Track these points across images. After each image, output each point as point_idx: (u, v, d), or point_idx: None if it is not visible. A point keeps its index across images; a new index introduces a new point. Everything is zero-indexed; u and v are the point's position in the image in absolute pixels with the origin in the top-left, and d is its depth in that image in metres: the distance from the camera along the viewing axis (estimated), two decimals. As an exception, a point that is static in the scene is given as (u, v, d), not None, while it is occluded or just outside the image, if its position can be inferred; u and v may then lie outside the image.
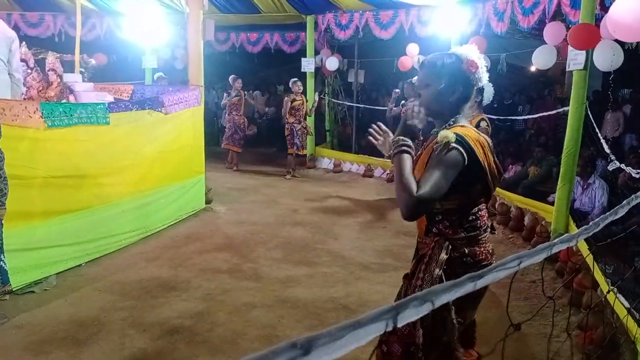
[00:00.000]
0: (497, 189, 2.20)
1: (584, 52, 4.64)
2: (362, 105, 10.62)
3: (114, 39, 10.17)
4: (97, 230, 4.56)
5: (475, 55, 1.90)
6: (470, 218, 1.89)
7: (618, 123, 8.45)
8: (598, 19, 4.75)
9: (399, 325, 0.68)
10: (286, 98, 8.67)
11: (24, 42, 5.98)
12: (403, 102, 7.56)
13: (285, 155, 8.97)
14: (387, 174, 8.71)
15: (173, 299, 3.82)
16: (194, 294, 3.92)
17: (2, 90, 4.48)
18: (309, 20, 9.55)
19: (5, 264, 3.57)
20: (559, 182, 5.10)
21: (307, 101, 8.85)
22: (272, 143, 11.68)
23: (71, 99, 6.05)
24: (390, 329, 0.67)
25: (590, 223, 1.42)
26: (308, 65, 9.68)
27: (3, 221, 3.50)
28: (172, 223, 5.61)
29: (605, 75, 7.84)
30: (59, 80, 6.42)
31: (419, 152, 2.00)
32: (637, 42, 5.06)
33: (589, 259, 2.94)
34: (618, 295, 3.13)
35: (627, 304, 3.09)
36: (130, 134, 5.01)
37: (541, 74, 11.55)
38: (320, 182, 8.79)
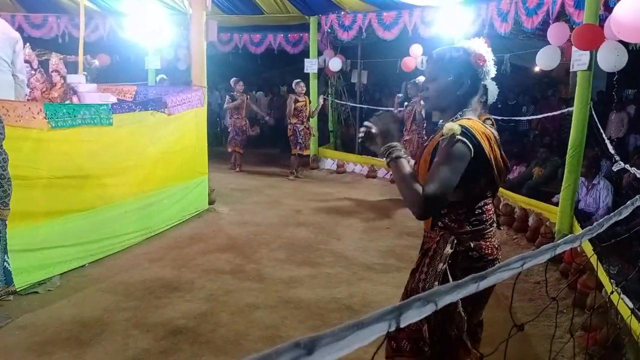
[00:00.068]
0: (501, 189, 2.19)
1: (588, 52, 4.62)
2: (365, 106, 10.61)
3: (117, 40, 10.20)
4: (100, 231, 4.57)
5: (483, 49, 1.89)
6: (477, 212, 1.88)
7: (622, 123, 8.43)
8: (602, 20, 4.73)
9: (402, 325, 0.68)
10: (289, 99, 8.68)
11: (27, 44, 5.99)
12: (406, 103, 7.57)
13: (289, 156, 8.97)
14: (391, 174, 8.70)
15: (176, 299, 3.82)
16: (197, 294, 3.92)
17: (6, 91, 4.49)
18: (312, 21, 9.55)
19: (9, 264, 3.58)
20: (563, 183, 5.08)
21: (310, 102, 8.85)
22: (275, 144, 11.69)
23: (75, 99, 6.06)
24: (393, 329, 0.66)
25: (595, 224, 1.41)
26: (311, 66, 9.69)
27: (7, 222, 3.51)
28: (175, 224, 5.62)
29: (609, 76, 7.81)
30: (62, 81, 6.43)
31: (423, 146, 1.99)
32: (642, 43, 5.04)
33: (593, 260, 2.93)
34: (622, 296, 3.11)
35: (631, 305, 3.07)
36: (133, 135, 5.02)
37: (545, 75, 11.52)
38: (324, 182, 8.79)
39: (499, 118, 7.04)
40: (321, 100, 9.00)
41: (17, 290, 3.70)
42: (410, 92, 7.41)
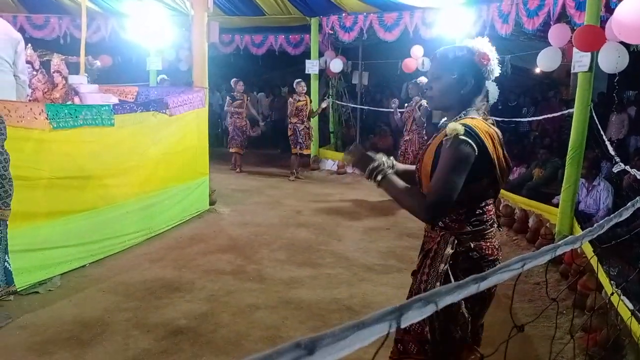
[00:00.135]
0: (502, 190, 2.17)
1: (589, 54, 4.63)
2: (366, 107, 10.63)
3: (118, 41, 10.21)
4: (101, 231, 4.57)
5: (487, 48, 1.89)
6: (477, 212, 1.87)
7: (623, 125, 8.44)
8: (603, 21, 4.74)
9: (403, 326, 0.68)
10: (291, 99, 8.69)
11: (29, 44, 6.00)
12: (406, 104, 7.58)
13: (289, 156, 8.97)
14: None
15: (177, 300, 3.83)
16: (198, 295, 3.92)
17: (7, 91, 4.50)
18: (313, 22, 9.56)
19: (9, 264, 3.59)
20: (563, 184, 5.08)
21: (311, 101, 8.85)
22: (276, 144, 11.70)
23: (76, 100, 6.07)
24: (394, 329, 0.67)
25: (595, 225, 1.42)
26: (312, 67, 9.70)
27: (8, 222, 3.52)
28: (176, 224, 5.63)
29: (610, 77, 7.81)
30: (64, 82, 6.44)
31: (426, 145, 1.98)
32: (642, 44, 5.05)
33: (594, 261, 2.93)
34: (622, 297, 3.11)
35: (631, 306, 3.08)
36: (135, 136, 5.03)
37: (546, 76, 11.52)
38: (324, 183, 8.79)
39: (500, 119, 7.04)
40: (324, 104, 9.03)
41: (18, 290, 3.71)
42: (411, 92, 7.42)
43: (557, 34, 5.60)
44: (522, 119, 9.09)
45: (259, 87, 13.97)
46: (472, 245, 1.85)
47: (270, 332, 3.38)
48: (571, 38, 4.98)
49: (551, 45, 5.74)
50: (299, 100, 8.53)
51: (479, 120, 1.85)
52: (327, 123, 10.79)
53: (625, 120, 8.49)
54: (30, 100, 5.50)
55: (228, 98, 9.39)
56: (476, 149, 1.75)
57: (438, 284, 1.83)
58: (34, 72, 6.13)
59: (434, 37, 8.04)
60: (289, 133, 8.72)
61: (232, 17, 9.52)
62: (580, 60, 4.71)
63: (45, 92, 6.20)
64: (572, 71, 5.10)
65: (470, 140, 1.74)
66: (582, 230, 4.49)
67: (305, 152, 8.88)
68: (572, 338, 2.24)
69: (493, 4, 6.99)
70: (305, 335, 0.58)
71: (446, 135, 1.77)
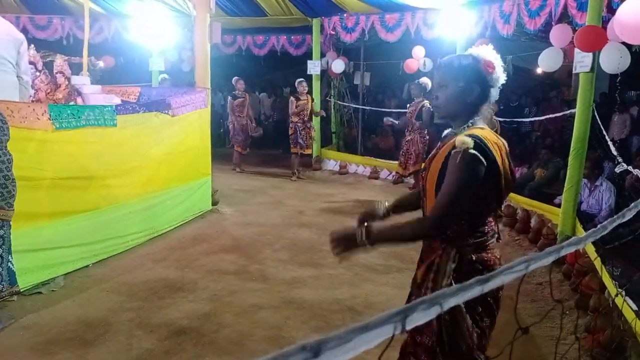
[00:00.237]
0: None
1: (590, 54, 4.62)
2: (367, 108, 10.63)
3: (121, 42, 10.23)
4: (104, 232, 4.58)
5: (492, 56, 1.88)
6: (480, 224, 1.86)
7: (625, 125, 8.42)
8: (605, 21, 4.73)
9: (407, 328, 0.68)
10: (292, 98, 8.68)
11: (32, 45, 6.03)
12: (408, 105, 7.58)
13: (291, 156, 8.97)
14: (393, 175, 8.71)
15: (180, 300, 3.84)
16: (201, 295, 3.93)
17: (10, 92, 4.51)
18: (315, 23, 9.56)
19: (13, 264, 3.59)
20: (565, 184, 5.08)
21: (313, 100, 8.85)
22: (278, 144, 11.71)
23: (79, 101, 6.09)
24: (398, 332, 0.67)
25: (599, 226, 1.41)
26: (314, 67, 9.70)
27: (11, 222, 3.53)
28: (178, 224, 5.64)
29: (612, 78, 7.82)
30: (67, 82, 6.47)
31: (432, 154, 1.96)
32: (645, 44, 5.04)
33: (597, 263, 2.93)
34: (626, 298, 3.11)
35: (635, 307, 3.07)
36: (137, 136, 5.04)
37: (547, 76, 11.50)
38: (326, 183, 8.80)
39: (501, 119, 7.04)
40: (322, 113, 9.04)
41: (21, 290, 3.71)
42: (414, 93, 7.43)
43: (559, 34, 5.59)
44: (523, 119, 9.07)
45: (261, 88, 13.98)
46: (474, 257, 1.84)
47: (273, 332, 3.38)
48: (573, 38, 4.98)
49: (553, 46, 5.74)
50: (300, 100, 8.53)
51: (488, 131, 1.83)
52: (329, 123, 10.79)
53: (628, 121, 8.48)
54: (33, 101, 5.52)
55: (229, 97, 9.39)
56: (485, 162, 1.73)
57: None
58: (37, 73, 6.16)
59: (435, 38, 8.05)
60: (290, 132, 8.71)
61: (234, 18, 9.53)
62: (582, 61, 4.71)
63: (48, 93, 6.22)
64: (573, 71, 5.10)
65: (479, 155, 1.71)
66: (585, 230, 4.49)
67: (305, 152, 8.86)
68: (577, 339, 2.24)
69: (494, 4, 6.99)
70: (308, 335, 0.58)
71: (454, 147, 1.74)
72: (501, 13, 6.88)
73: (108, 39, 10.25)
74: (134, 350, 3.12)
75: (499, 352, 1.19)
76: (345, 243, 1.87)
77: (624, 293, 2.94)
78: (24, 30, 9.42)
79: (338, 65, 9.64)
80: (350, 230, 1.84)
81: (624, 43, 4.45)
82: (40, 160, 3.96)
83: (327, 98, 10.41)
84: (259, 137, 9.89)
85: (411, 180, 7.83)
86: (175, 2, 8.71)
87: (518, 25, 6.65)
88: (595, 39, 4.51)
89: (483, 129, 1.84)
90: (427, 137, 7.27)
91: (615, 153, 4.98)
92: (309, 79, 9.36)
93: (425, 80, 7.34)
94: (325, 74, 10.23)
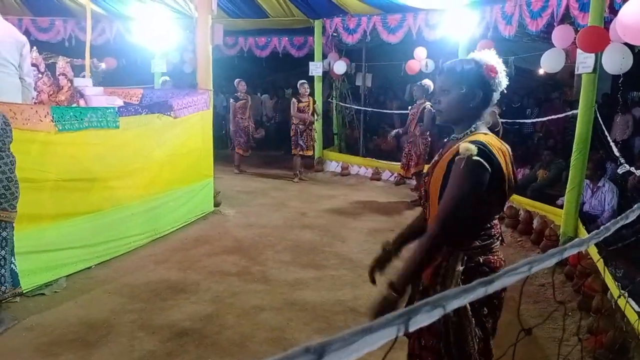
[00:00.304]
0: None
1: (593, 55, 4.62)
2: (369, 109, 10.63)
3: (123, 43, 10.24)
4: (107, 233, 4.59)
5: (495, 60, 1.88)
6: (486, 227, 1.87)
7: (627, 126, 8.40)
8: (607, 22, 4.73)
9: (411, 330, 0.69)
10: (293, 99, 8.68)
11: (34, 47, 6.02)
12: (410, 107, 7.59)
13: (292, 158, 8.96)
14: (395, 177, 8.71)
15: (182, 301, 3.84)
16: (203, 296, 3.93)
17: (13, 94, 4.52)
18: (317, 24, 9.56)
19: (15, 266, 3.59)
20: (568, 185, 5.07)
21: (315, 102, 8.83)
22: (279, 146, 11.71)
23: (81, 103, 6.10)
24: (402, 333, 0.67)
25: (601, 227, 1.41)
26: (316, 69, 9.70)
27: (14, 224, 3.53)
28: (181, 226, 5.64)
29: (614, 78, 7.78)
30: (69, 84, 6.47)
31: (434, 160, 1.97)
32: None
33: (600, 264, 2.92)
34: (628, 299, 3.11)
35: (637, 308, 3.07)
36: (139, 138, 5.05)
37: (549, 77, 11.49)
38: (328, 185, 8.80)
39: (503, 120, 7.02)
40: (310, 118, 8.78)
41: (24, 292, 3.72)
42: (416, 95, 7.43)
43: (561, 35, 5.59)
44: (525, 120, 9.06)
45: (263, 89, 13.99)
46: (480, 260, 1.85)
47: (275, 333, 3.38)
48: (575, 39, 4.98)
49: (555, 47, 5.73)
50: (301, 101, 8.53)
51: (491, 137, 1.84)
52: (330, 125, 10.79)
53: (630, 121, 8.46)
54: (35, 103, 5.52)
55: (232, 100, 9.38)
56: (489, 169, 1.73)
57: None
58: (40, 75, 6.16)
59: (437, 39, 8.03)
60: (291, 133, 8.70)
61: (236, 20, 9.53)
62: (584, 62, 4.71)
63: (51, 95, 6.23)
64: (576, 72, 5.10)
65: (484, 161, 1.72)
66: (587, 231, 4.48)
67: (306, 153, 8.83)
68: (580, 340, 2.24)
69: (496, 5, 6.98)
70: (310, 336, 0.58)
71: (458, 153, 1.74)
72: (503, 14, 6.87)
73: (110, 41, 10.26)
74: (136, 351, 3.12)
75: (502, 353, 1.19)
76: (387, 311, 1.88)
77: (626, 294, 2.94)
78: (27, 33, 9.44)
79: (340, 67, 9.64)
80: (380, 300, 1.86)
81: (626, 44, 4.44)
82: (43, 162, 3.97)
83: (329, 99, 10.40)
84: (260, 139, 9.88)
85: (413, 182, 7.83)
86: (177, 3, 8.72)
87: (520, 26, 6.64)
88: (598, 40, 4.51)
89: (487, 135, 1.85)
90: (429, 138, 7.27)
91: (617, 154, 4.97)
92: (310, 80, 9.36)
93: (427, 81, 7.34)
94: (327, 75, 10.22)
